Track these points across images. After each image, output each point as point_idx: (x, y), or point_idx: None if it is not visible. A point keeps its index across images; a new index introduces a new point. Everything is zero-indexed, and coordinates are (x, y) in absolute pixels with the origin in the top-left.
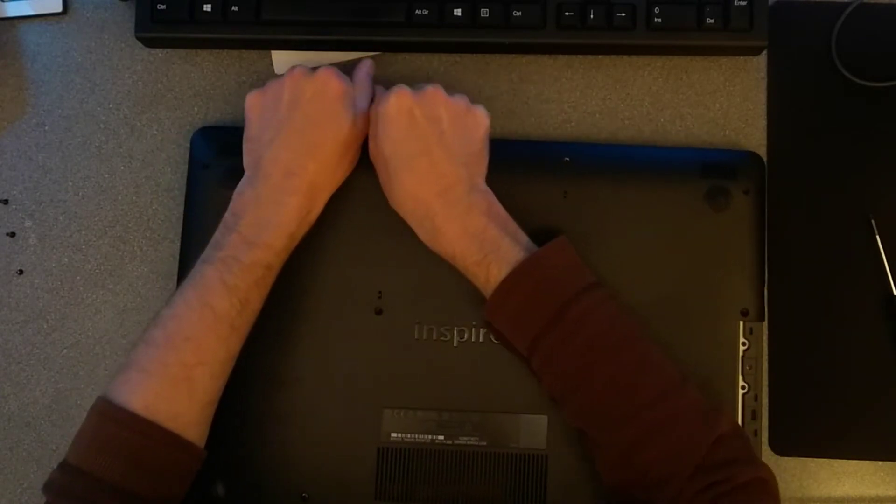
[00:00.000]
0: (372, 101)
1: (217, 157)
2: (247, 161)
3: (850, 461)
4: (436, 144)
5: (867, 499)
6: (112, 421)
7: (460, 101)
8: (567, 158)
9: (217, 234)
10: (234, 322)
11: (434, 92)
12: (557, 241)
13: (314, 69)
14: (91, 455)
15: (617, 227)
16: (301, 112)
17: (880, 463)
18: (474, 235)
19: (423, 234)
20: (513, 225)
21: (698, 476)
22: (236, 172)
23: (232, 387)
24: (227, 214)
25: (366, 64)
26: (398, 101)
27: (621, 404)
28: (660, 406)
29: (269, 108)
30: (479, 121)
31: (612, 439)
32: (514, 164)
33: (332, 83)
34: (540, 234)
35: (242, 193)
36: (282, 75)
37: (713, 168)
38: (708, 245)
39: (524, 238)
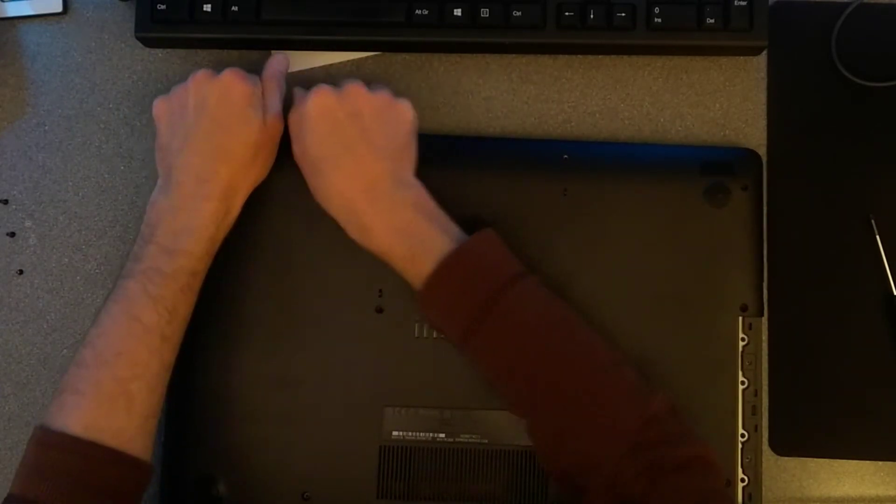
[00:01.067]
0: (288, 96)
1: None
2: (159, 169)
3: (850, 461)
4: (359, 141)
5: (867, 499)
6: (52, 447)
7: (382, 96)
8: (566, 156)
9: (135, 248)
10: (164, 332)
11: (355, 89)
12: (483, 233)
13: (220, 71)
14: (35, 483)
15: (616, 224)
16: (208, 117)
17: (880, 463)
18: (401, 230)
19: (351, 232)
20: (443, 217)
21: (632, 457)
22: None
23: (233, 386)
24: (142, 226)
25: (277, 60)
26: (318, 101)
27: (552, 391)
28: (589, 390)
29: (176, 115)
30: (403, 114)
31: (546, 426)
32: (514, 163)
33: (237, 86)
34: (540, 233)
35: (156, 203)
36: (185, 80)
37: (712, 165)
38: (707, 241)
39: (454, 230)
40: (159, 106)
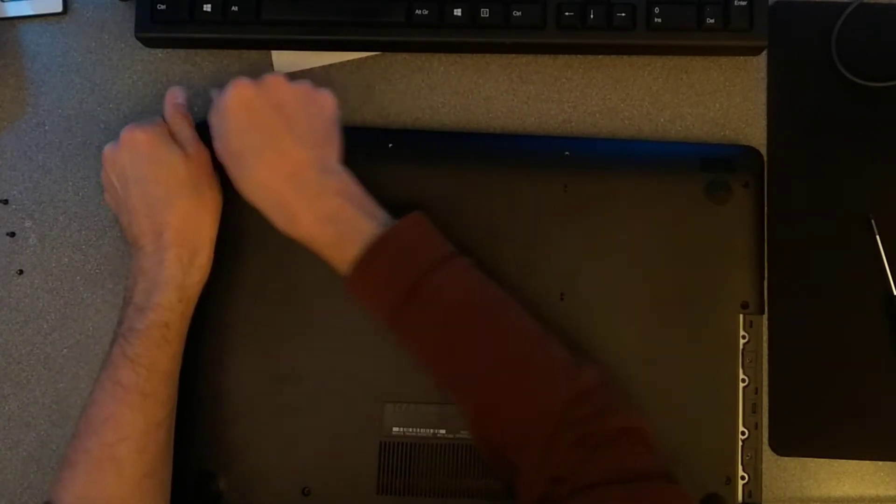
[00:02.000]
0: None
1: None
2: (131, 244)
3: (850, 461)
4: (282, 131)
5: (867, 499)
6: None
7: (303, 86)
8: (567, 153)
9: (119, 314)
10: (143, 389)
11: (275, 79)
12: (412, 216)
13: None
14: None
15: (617, 220)
16: (133, 180)
17: (880, 463)
18: (328, 217)
19: (277, 222)
20: (370, 204)
21: (563, 431)
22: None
23: (232, 382)
24: (123, 293)
25: (172, 94)
26: (237, 94)
27: (479, 369)
28: (516, 366)
29: (114, 197)
30: (325, 102)
31: (475, 405)
32: (515, 159)
33: (138, 137)
34: (541, 229)
35: (130, 269)
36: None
37: (712, 162)
38: (708, 238)
39: (382, 215)
40: (107, 199)
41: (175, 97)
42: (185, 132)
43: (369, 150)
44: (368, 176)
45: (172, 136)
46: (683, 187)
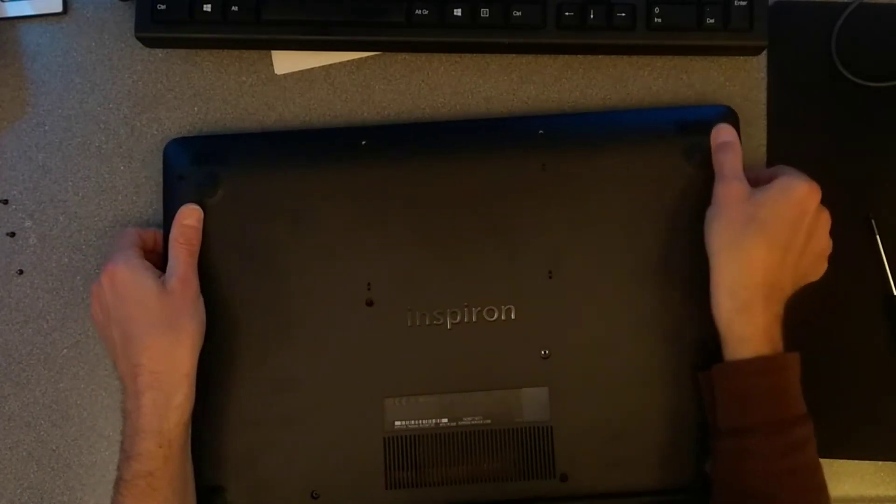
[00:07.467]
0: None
1: (192, 167)
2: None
3: (850, 461)
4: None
5: (867, 499)
6: None
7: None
8: (541, 131)
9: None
10: None
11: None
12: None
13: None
14: None
15: (599, 192)
16: (114, 320)
17: (880, 463)
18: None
19: None
20: None
21: None
22: (211, 181)
23: (232, 394)
24: None
25: (184, 214)
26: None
27: None
28: None
29: (101, 330)
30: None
31: None
32: (490, 142)
33: (115, 274)
34: (523, 210)
35: (122, 412)
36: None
37: (688, 125)
38: (690, 201)
39: None
40: (99, 335)
41: (185, 217)
42: (180, 263)
43: (343, 150)
44: (345, 176)
45: (169, 255)
46: (661, 153)
